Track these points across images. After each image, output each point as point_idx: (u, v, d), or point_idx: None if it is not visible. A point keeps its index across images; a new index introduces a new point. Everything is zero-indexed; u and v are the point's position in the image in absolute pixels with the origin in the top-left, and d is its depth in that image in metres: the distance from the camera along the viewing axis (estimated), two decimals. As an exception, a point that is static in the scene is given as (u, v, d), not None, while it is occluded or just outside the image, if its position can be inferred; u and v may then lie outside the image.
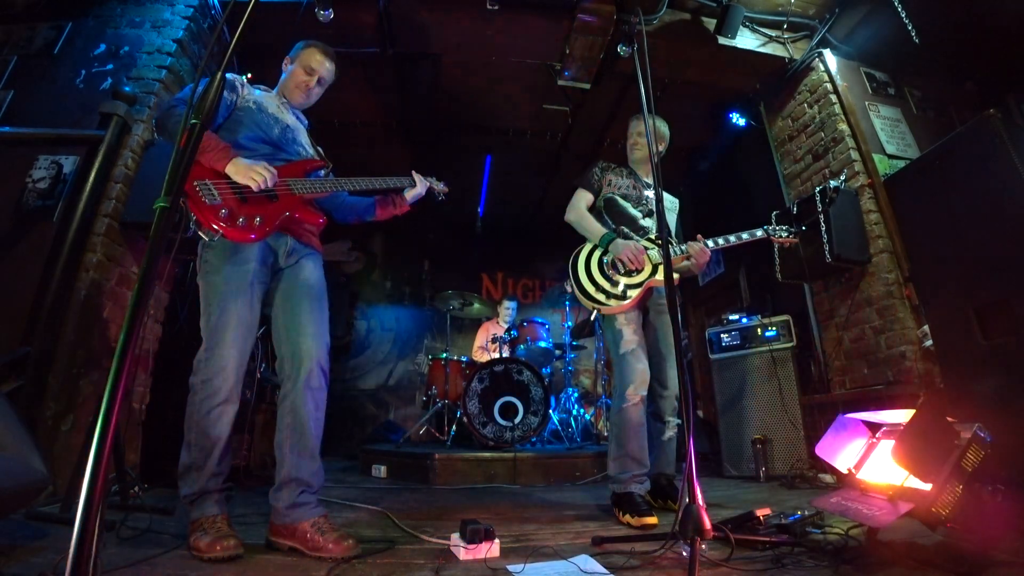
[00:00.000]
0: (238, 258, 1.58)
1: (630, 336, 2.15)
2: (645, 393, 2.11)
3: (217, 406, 1.52)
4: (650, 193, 2.37)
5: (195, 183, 1.53)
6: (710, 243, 2.19)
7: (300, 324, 1.65)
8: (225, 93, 1.71)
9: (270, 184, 1.59)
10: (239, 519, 1.58)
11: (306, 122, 1.98)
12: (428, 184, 2.01)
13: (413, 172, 1.99)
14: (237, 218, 1.54)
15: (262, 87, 1.90)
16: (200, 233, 1.54)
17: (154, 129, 1.58)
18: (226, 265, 1.57)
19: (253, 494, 2.44)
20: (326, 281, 1.81)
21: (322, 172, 1.89)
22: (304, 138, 1.91)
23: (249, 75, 1.96)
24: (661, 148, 2.44)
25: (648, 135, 1.65)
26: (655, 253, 2.18)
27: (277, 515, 1.53)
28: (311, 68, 1.88)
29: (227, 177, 1.58)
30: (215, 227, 1.51)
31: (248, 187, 1.57)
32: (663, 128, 2.46)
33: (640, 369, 2.10)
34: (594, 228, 2.27)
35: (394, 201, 1.99)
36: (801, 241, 3.02)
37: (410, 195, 1.99)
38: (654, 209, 2.33)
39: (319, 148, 1.96)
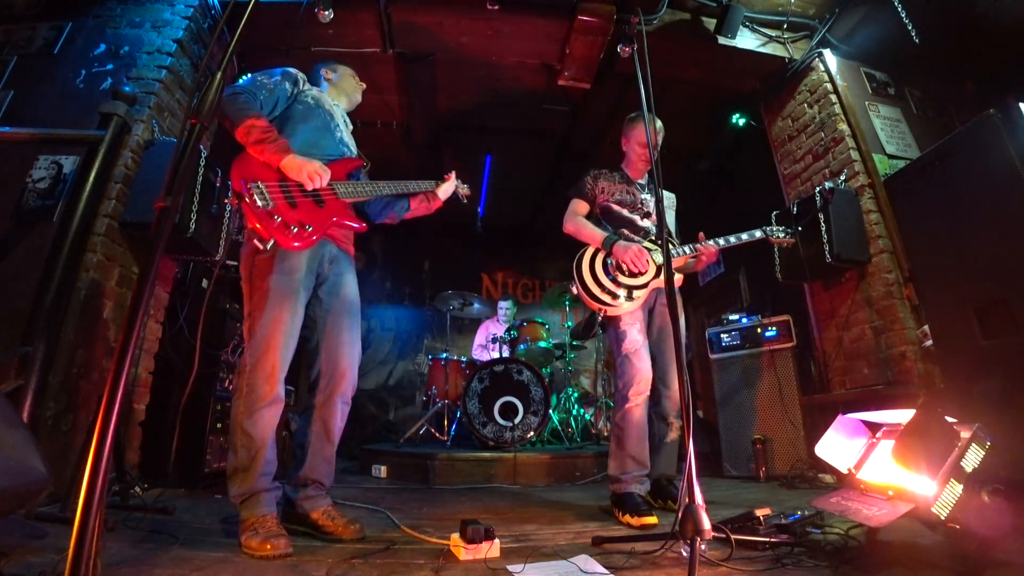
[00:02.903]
0: (286, 265, 1.60)
1: (634, 336, 2.15)
2: (648, 394, 2.11)
3: (261, 408, 1.55)
4: (645, 196, 2.37)
5: (248, 184, 1.52)
6: (712, 243, 2.20)
7: (341, 341, 1.72)
8: (287, 85, 1.79)
9: (324, 183, 1.62)
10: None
11: (350, 123, 2.07)
12: (456, 184, 2.11)
13: (445, 176, 2.10)
14: (290, 226, 1.55)
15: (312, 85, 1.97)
16: (255, 241, 1.54)
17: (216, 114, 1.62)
18: (275, 271, 1.59)
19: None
20: None
21: (361, 172, 1.95)
22: (349, 136, 2.00)
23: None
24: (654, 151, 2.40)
25: (649, 137, 1.65)
26: (658, 255, 2.18)
27: (291, 505, 1.68)
28: (359, 77, 2.13)
29: (277, 178, 1.59)
30: (268, 234, 1.51)
31: (296, 190, 1.60)
32: (657, 124, 2.41)
33: (643, 369, 2.10)
34: (594, 234, 2.25)
35: (428, 197, 2.08)
36: (801, 241, 3.03)
37: (441, 190, 2.07)
38: (651, 211, 2.33)
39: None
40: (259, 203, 1.51)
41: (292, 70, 1.85)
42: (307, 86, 1.88)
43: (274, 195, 1.56)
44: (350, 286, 1.80)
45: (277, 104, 1.76)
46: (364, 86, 2.14)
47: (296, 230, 1.55)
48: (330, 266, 1.75)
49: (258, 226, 1.51)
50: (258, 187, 1.54)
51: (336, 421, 1.73)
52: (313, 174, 1.59)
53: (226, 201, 1.61)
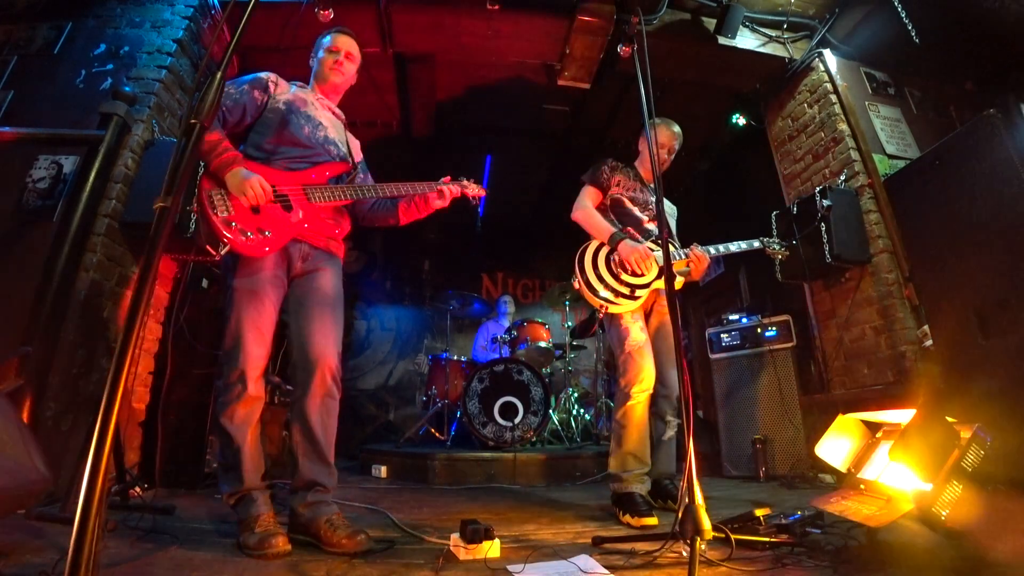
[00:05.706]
0: (251, 265, 1.61)
1: (636, 334, 2.15)
2: (650, 392, 2.11)
3: (234, 405, 1.56)
4: (654, 199, 2.38)
5: (210, 192, 1.56)
6: (712, 249, 2.21)
7: (312, 331, 1.66)
8: (256, 93, 1.74)
9: (261, 203, 1.59)
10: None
11: (343, 117, 1.99)
12: (460, 187, 1.91)
13: (444, 180, 1.90)
14: (246, 232, 1.56)
15: (297, 83, 1.91)
16: (207, 246, 1.57)
17: None
18: (239, 271, 1.61)
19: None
20: None
21: (348, 176, 1.88)
22: (338, 135, 1.90)
23: None
24: (669, 155, 2.43)
25: (649, 141, 1.66)
26: (661, 255, 2.18)
27: (294, 513, 1.61)
28: (335, 46, 1.91)
29: None
30: (224, 239, 1.54)
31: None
32: (675, 129, 2.44)
33: (646, 367, 2.10)
34: (602, 227, 2.24)
35: (417, 205, 1.91)
36: (801, 241, 3.04)
37: (440, 198, 1.88)
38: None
39: (351, 144, 1.96)
40: (217, 212, 1.54)
41: (263, 75, 1.79)
42: (280, 90, 1.80)
43: (235, 202, 1.57)
44: (325, 278, 1.74)
45: (245, 112, 1.71)
46: (339, 56, 1.89)
47: (252, 235, 1.56)
48: (303, 263, 1.72)
49: (214, 232, 1.54)
50: (220, 194, 1.56)
51: (316, 415, 1.61)
52: (248, 191, 1.56)
53: (188, 208, 1.61)
